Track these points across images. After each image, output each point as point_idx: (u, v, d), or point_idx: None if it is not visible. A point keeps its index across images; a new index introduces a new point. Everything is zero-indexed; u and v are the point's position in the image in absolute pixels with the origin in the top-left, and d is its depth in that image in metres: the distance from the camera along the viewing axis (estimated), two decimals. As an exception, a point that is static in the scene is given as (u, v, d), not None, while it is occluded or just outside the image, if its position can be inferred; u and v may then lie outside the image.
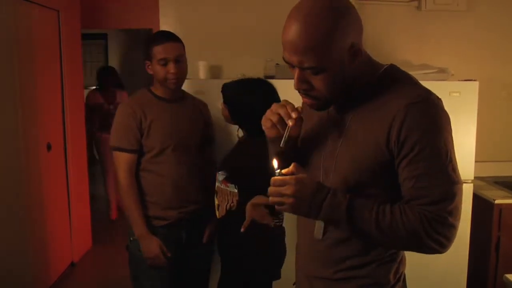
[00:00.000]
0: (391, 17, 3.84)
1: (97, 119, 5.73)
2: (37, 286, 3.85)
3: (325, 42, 1.26)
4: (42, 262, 3.93)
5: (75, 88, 4.64)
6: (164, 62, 2.44)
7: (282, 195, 1.33)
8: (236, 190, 2.39)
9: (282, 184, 1.33)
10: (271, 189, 1.35)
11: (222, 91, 2.53)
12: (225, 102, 2.51)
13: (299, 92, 1.39)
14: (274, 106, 1.45)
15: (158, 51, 2.43)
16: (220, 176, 2.46)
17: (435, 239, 1.30)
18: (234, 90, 2.50)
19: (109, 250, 4.78)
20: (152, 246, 2.46)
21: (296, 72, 1.33)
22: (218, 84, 2.57)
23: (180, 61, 2.47)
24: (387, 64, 1.45)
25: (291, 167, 1.37)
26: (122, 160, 2.48)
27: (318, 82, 1.33)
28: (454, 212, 1.30)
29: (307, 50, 1.27)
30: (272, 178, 1.35)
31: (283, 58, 1.34)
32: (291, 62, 1.32)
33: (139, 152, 2.50)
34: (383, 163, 1.35)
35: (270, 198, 1.36)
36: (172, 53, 2.43)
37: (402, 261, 1.51)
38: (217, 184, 2.49)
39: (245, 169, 2.39)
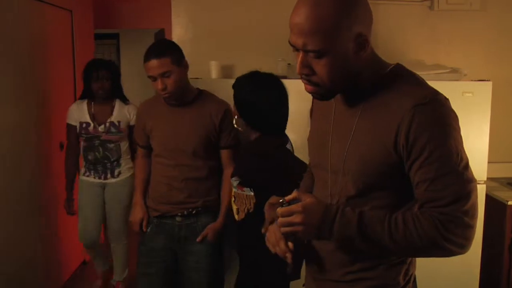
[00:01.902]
0: (403, 17, 3.82)
1: (74, 148, 3.68)
2: (50, 284, 3.88)
3: (331, 26, 1.25)
4: (54, 260, 3.96)
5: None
6: (153, 79, 2.50)
7: (292, 224, 1.33)
8: (252, 193, 2.40)
9: (289, 214, 1.33)
10: (280, 220, 1.35)
11: (233, 87, 2.53)
12: (234, 102, 2.51)
13: (301, 78, 1.38)
14: (270, 235, 1.54)
15: (146, 68, 2.50)
16: (234, 182, 2.47)
17: (453, 242, 1.27)
18: (240, 88, 2.49)
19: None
20: (135, 214, 2.79)
21: (300, 56, 1.33)
22: (229, 83, 2.57)
23: (168, 76, 2.49)
24: (393, 64, 1.44)
25: (293, 193, 1.37)
26: (138, 150, 2.89)
27: (320, 67, 1.32)
28: (471, 211, 1.28)
29: (312, 33, 1.26)
30: (278, 209, 1.36)
31: (289, 41, 1.34)
32: (296, 44, 1.31)
33: (150, 147, 2.76)
34: (391, 165, 1.34)
35: (282, 229, 1.36)
36: (156, 71, 2.47)
37: (412, 263, 1.50)
38: (233, 189, 2.50)
39: (254, 170, 2.40)
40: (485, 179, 3.34)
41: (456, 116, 1.33)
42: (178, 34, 3.70)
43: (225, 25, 3.68)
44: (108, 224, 3.82)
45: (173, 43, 2.65)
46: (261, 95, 2.43)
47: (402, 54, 3.65)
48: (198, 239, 2.69)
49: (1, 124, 3.18)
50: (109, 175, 3.65)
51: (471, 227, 1.29)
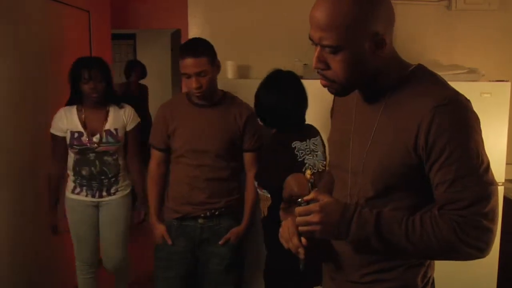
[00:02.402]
0: (420, 17, 3.80)
1: (62, 162, 3.12)
2: (62, 285, 3.91)
3: (348, 23, 1.26)
4: (67, 262, 3.98)
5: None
6: (187, 76, 2.50)
7: (309, 223, 1.34)
8: (268, 195, 2.41)
9: (307, 213, 1.34)
10: (298, 219, 1.36)
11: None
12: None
13: (317, 72, 1.39)
14: (284, 231, 1.48)
15: (181, 65, 2.48)
16: (255, 183, 2.51)
17: (471, 245, 1.26)
18: (259, 88, 2.51)
19: (135, 250, 4.83)
20: (156, 234, 2.74)
21: (316, 50, 1.34)
22: (246, 84, 2.59)
23: (203, 76, 2.48)
24: (415, 64, 1.43)
25: (312, 194, 1.38)
26: (153, 155, 2.79)
27: (334, 63, 1.32)
28: (490, 215, 1.27)
29: (329, 28, 1.27)
30: (296, 208, 1.36)
31: (309, 36, 1.35)
32: (313, 38, 1.33)
33: (169, 150, 2.73)
34: (411, 166, 1.33)
35: (299, 228, 1.37)
36: (192, 69, 2.46)
37: (430, 265, 1.49)
38: (258, 192, 2.54)
39: (265, 169, 2.42)
40: (503, 180, 3.31)
41: (478, 118, 1.32)
42: (194, 34, 3.71)
43: (241, 26, 3.68)
44: (105, 252, 3.28)
45: (209, 42, 2.61)
46: (279, 96, 2.44)
47: (419, 54, 3.62)
48: (220, 242, 2.67)
49: (5, 124, 3.20)
50: (104, 193, 3.11)
51: (490, 231, 1.27)
